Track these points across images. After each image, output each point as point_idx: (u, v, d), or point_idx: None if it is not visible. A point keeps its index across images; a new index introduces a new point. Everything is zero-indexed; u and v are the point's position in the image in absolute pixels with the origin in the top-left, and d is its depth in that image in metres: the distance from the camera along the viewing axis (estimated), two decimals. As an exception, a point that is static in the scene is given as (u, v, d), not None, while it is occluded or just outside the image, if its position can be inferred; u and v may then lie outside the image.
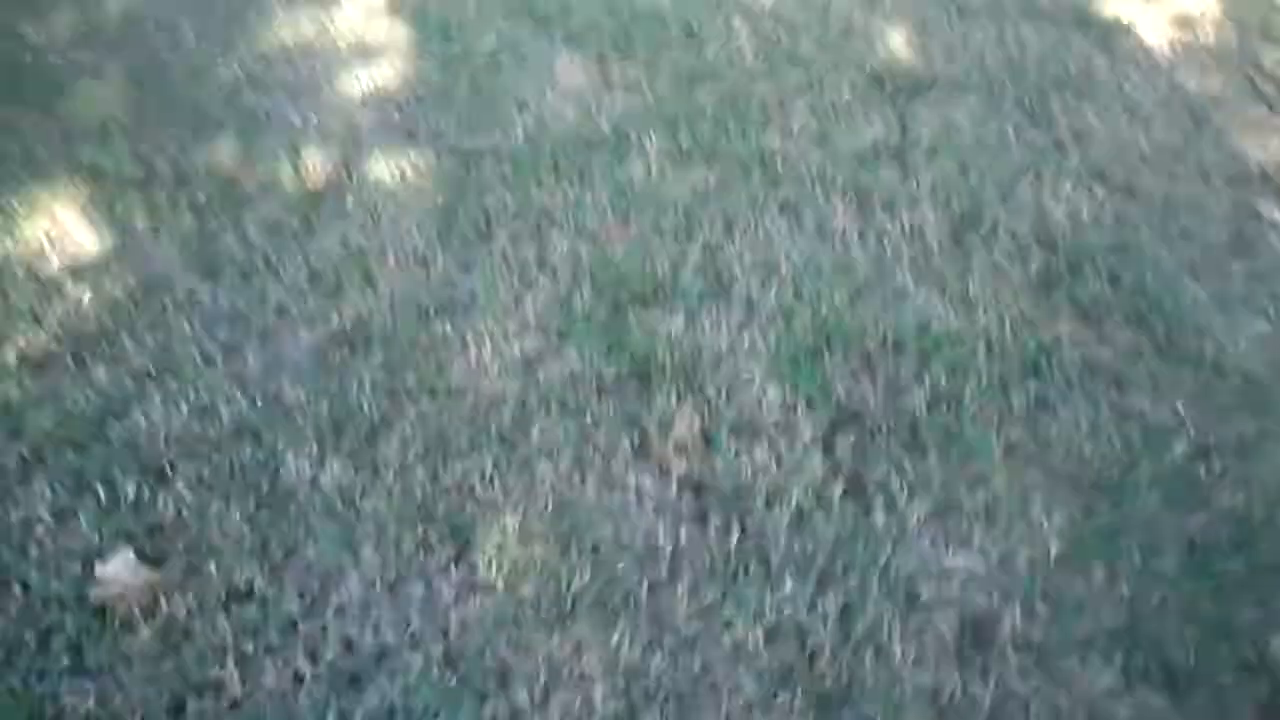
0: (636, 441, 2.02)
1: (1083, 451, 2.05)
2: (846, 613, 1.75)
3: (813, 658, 1.68)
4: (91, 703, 1.57)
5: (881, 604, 1.77)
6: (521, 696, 1.61)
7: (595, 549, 1.83)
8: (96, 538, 1.77)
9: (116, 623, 1.66)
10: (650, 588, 1.78)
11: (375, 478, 1.91)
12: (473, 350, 2.16)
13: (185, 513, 1.83)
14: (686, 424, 2.06)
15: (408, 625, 1.70)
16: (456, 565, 1.80)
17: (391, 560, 1.80)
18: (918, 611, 1.77)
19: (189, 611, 1.69)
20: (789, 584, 1.79)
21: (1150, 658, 1.72)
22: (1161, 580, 1.84)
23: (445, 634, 1.70)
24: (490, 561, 1.80)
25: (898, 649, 1.70)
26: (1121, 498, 1.96)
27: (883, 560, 1.83)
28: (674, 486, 1.95)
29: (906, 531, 1.88)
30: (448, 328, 2.20)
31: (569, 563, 1.80)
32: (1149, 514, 1.94)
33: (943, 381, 2.14)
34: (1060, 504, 1.94)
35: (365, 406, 2.02)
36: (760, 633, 1.72)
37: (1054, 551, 1.86)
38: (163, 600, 1.70)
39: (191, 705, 1.58)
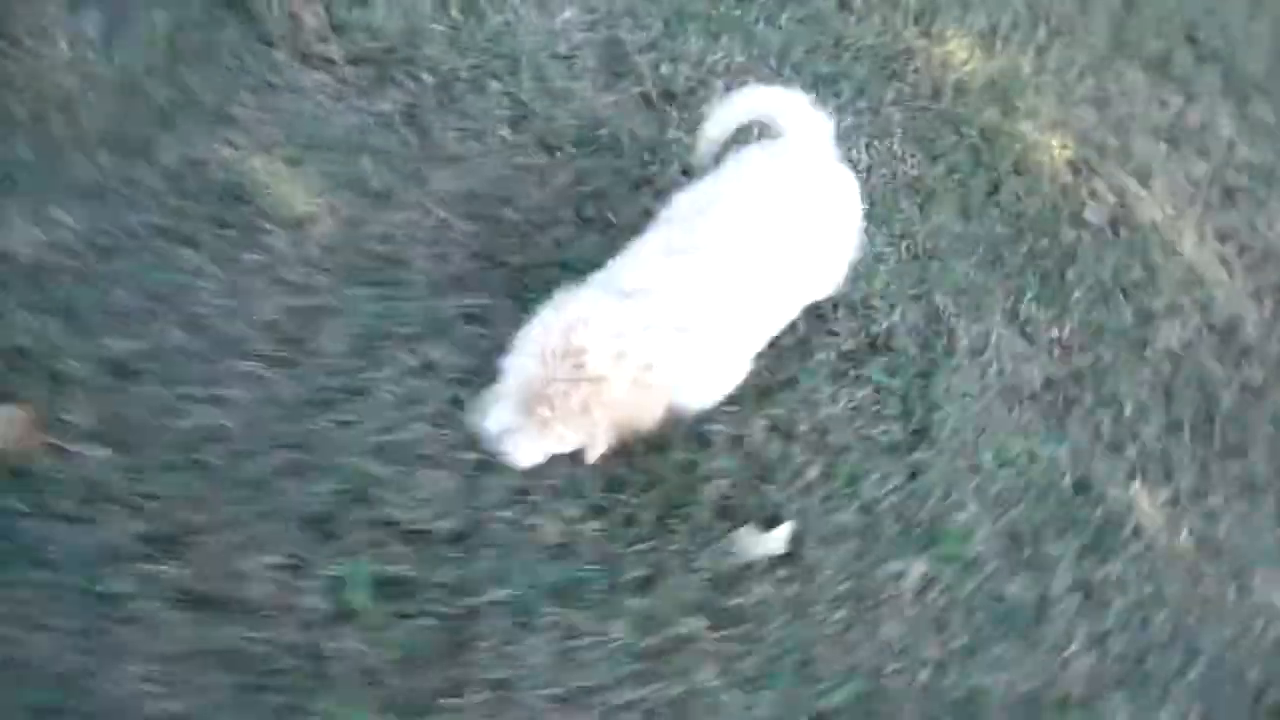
0: (285, 52, 2.16)
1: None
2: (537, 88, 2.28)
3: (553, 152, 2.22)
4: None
5: (534, 92, 2.29)
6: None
7: (325, 146, 2.09)
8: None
9: (36, 476, 1.61)
10: (403, 163, 2.14)
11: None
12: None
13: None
14: (313, 16, 2.16)
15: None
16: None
17: (222, 274, 1.92)
18: (569, 68, 2.32)
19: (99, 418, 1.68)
20: (487, 101, 2.22)
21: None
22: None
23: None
24: (278, 212, 2.00)
25: (584, 84, 2.32)
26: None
27: (522, 40, 2.30)
28: (345, 69, 2.20)
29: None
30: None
31: (320, 183, 2.06)
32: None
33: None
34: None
35: None
36: (506, 124, 2.23)
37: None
38: (48, 433, 1.65)
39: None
